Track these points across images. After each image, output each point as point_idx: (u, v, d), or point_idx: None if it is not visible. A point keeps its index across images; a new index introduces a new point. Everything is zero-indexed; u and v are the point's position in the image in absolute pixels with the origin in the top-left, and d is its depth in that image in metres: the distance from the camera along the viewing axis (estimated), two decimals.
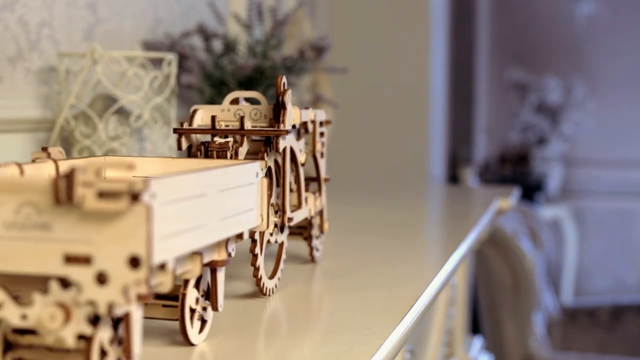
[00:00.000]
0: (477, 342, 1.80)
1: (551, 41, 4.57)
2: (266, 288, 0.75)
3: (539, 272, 2.50)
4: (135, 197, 0.44)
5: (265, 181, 0.66)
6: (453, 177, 3.80)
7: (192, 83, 1.35)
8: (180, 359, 0.57)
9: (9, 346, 0.49)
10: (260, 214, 0.65)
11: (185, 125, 0.76)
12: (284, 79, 0.78)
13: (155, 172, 0.66)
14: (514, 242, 2.42)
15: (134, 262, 0.44)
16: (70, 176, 0.44)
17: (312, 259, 0.91)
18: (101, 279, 0.45)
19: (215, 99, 1.41)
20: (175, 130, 0.75)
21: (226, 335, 0.63)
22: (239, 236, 0.62)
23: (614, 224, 4.51)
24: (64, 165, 0.58)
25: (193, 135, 0.76)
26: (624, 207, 4.50)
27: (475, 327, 2.64)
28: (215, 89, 1.41)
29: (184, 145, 0.76)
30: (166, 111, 1.22)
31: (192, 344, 0.60)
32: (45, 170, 0.57)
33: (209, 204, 0.54)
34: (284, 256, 0.80)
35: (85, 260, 0.45)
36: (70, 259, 0.45)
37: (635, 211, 4.48)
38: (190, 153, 0.76)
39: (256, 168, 0.64)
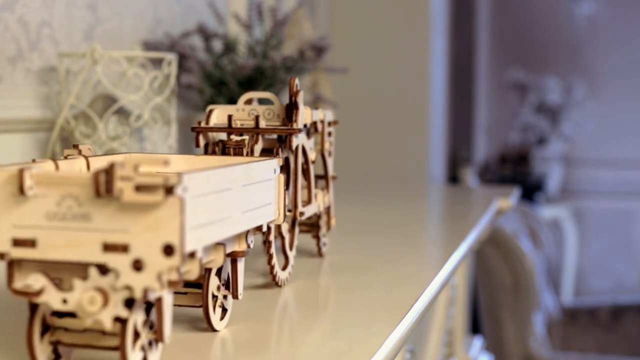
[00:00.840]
0: (477, 342, 1.80)
1: (551, 41, 4.57)
2: (279, 279, 0.79)
3: (539, 272, 2.50)
4: (169, 190, 0.47)
5: (283, 177, 0.69)
6: (453, 177, 3.80)
7: (192, 83, 1.35)
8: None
9: (46, 328, 0.52)
10: (277, 208, 0.68)
11: (203, 124, 0.80)
12: (297, 81, 0.81)
13: (179, 168, 0.69)
14: (514, 242, 2.42)
15: (168, 250, 0.48)
16: (110, 171, 0.47)
17: (320, 254, 0.94)
18: (137, 265, 0.48)
19: (215, 99, 1.41)
20: (193, 129, 0.79)
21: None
22: (258, 228, 0.65)
23: (614, 224, 4.51)
24: (94, 162, 0.61)
25: (210, 134, 0.80)
26: (624, 207, 4.50)
27: (475, 327, 2.64)
28: (215, 89, 1.41)
29: (202, 142, 0.79)
30: (166, 111, 1.22)
31: (214, 330, 0.63)
32: (77, 166, 0.60)
33: (233, 198, 0.57)
34: (295, 249, 0.83)
35: (122, 248, 0.48)
36: (109, 247, 0.48)
37: (635, 211, 4.49)
38: (207, 150, 0.80)
39: (274, 165, 0.67)
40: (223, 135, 0.82)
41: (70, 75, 1.17)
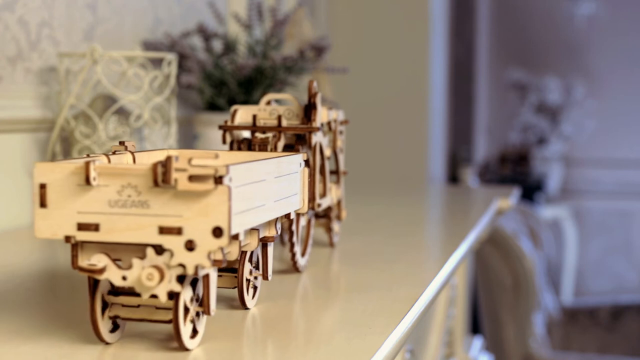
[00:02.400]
0: (477, 342, 1.80)
1: (551, 41, 4.57)
2: (299, 265, 0.86)
3: (539, 272, 2.50)
4: (218, 180, 0.54)
5: (307, 170, 0.75)
6: (453, 177, 3.80)
7: (192, 83, 1.35)
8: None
9: (105, 305, 0.59)
10: (302, 198, 0.75)
11: (228, 123, 0.87)
12: (315, 83, 0.87)
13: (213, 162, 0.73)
14: (514, 242, 2.42)
15: (217, 232, 0.54)
16: (167, 163, 0.54)
17: (331, 244, 1.01)
18: (190, 246, 0.55)
19: (215, 99, 1.41)
20: (221, 127, 0.86)
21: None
22: (286, 216, 0.72)
23: (614, 224, 4.50)
24: (139, 156, 0.67)
25: (235, 131, 0.87)
26: (624, 207, 4.50)
27: (475, 327, 2.64)
28: (215, 89, 1.41)
29: (228, 140, 0.86)
30: (166, 111, 1.22)
31: (247, 308, 0.70)
32: (124, 160, 0.66)
33: (267, 188, 0.64)
34: (311, 238, 0.90)
35: (177, 231, 0.55)
36: (164, 230, 0.55)
37: (635, 211, 4.48)
38: (231, 147, 0.87)
39: (300, 159, 0.74)
40: (246, 133, 0.89)
41: (70, 75, 1.17)
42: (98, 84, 1.19)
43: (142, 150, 0.70)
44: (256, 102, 1.41)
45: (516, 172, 4.37)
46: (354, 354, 0.58)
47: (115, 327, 0.60)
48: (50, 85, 1.22)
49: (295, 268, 0.85)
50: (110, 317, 0.59)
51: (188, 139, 1.51)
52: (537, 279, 2.45)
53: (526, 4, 4.61)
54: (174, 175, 0.54)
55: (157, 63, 1.25)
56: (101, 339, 0.59)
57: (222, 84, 1.41)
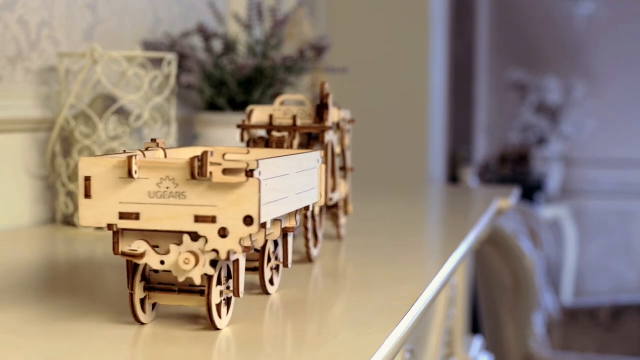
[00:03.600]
0: (477, 342, 1.80)
1: (551, 41, 4.57)
2: (313, 255, 0.91)
3: (539, 272, 2.50)
4: (249, 173, 0.59)
5: (324, 166, 0.81)
6: (453, 177, 3.80)
7: (192, 83, 1.35)
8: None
9: (142, 289, 0.64)
10: (320, 192, 0.79)
11: (246, 123, 0.92)
12: (327, 85, 0.92)
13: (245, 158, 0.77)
14: (514, 242, 2.42)
15: (248, 221, 0.59)
16: (203, 158, 0.59)
17: (339, 237, 1.05)
18: (223, 233, 0.60)
19: (215, 99, 1.41)
20: (239, 126, 0.91)
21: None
22: (306, 208, 0.77)
23: (614, 224, 4.50)
24: (170, 152, 0.72)
25: (252, 130, 0.93)
26: (624, 207, 4.50)
27: (475, 327, 2.64)
28: (215, 89, 1.41)
29: (246, 138, 0.91)
30: (166, 111, 1.22)
31: (268, 294, 0.75)
32: (157, 156, 0.70)
33: (290, 182, 0.69)
34: (323, 229, 0.95)
35: (211, 219, 0.60)
36: (199, 219, 0.60)
37: (635, 211, 4.48)
38: (248, 145, 0.91)
39: (318, 156, 0.79)
40: (261, 132, 0.95)
41: (70, 75, 1.17)
42: (98, 84, 1.19)
43: (172, 148, 0.75)
44: (256, 102, 1.41)
45: (516, 172, 4.37)
46: (354, 354, 0.58)
47: (150, 309, 0.65)
48: (50, 85, 1.22)
49: (308, 258, 0.90)
50: (149, 303, 0.64)
51: (188, 139, 1.51)
52: (537, 279, 2.45)
53: (526, 4, 4.61)
54: (210, 168, 0.59)
55: (157, 63, 1.25)
56: (137, 320, 0.64)
57: (222, 84, 1.41)
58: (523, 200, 3.49)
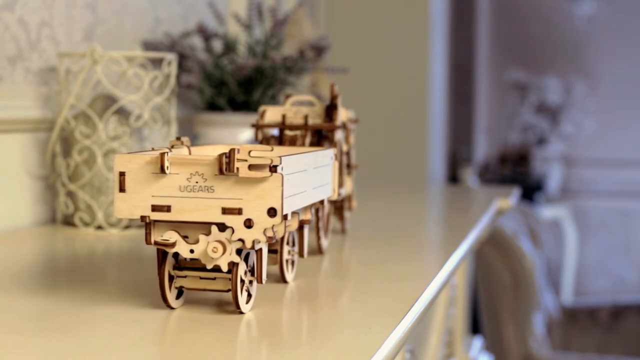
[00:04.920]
0: (477, 342, 1.80)
1: (551, 41, 4.57)
2: (322, 247, 0.96)
3: (539, 272, 2.50)
4: (273, 168, 0.64)
5: (337, 163, 0.86)
6: (453, 177, 3.80)
7: (192, 83, 1.35)
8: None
9: (170, 277, 0.69)
10: (333, 187, 0.84)
11: (259, 123, 0.98)
12: (336, 87, 0.98)
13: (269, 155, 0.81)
14: (514, 242, 2.42)
15: (272, 212, 0.64)
16: (230, 155, 0.63)
17: (343, 230, 1.10)
18: (248, 224, 0.65)
19: (215, 99, 1.41)
20: (253, 126, 0.97)
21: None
22: (320, 202, 0.82)
23: (614, 224, 4.50)
24: (194, 150, 0.77)
25: (265, 129, 0.98)
26: (624, 207, 4.50)
27: (475, 327, 2.64)
28: (215, 89, 1.41)
29: (260, 137, 0.97)
30: (166, 111, 1.22)
31: (286, 282, 0.80)
32: (183, 153, 0.74)
33: (307, 177, 0.74)
34: (331, 222, 1.00)
35: (237, 211, 0.64)
36: (226, 211, 0.65)
37: (635, 211, 4.48)
38: (261, 143, 0.96)
39: (332, 153, 0.83)
40: (274, 131, 1.00)
41: (70, 75, 1.17)
42: (98, 84, 1.19)
43: (195, 145, 0.79)
44: (256, 102, 1.41)
45: (516, 172, 4.37)
46: (354, 354, 0.58)
47: (178, 295, 0.70)
48: (50, 85, 1.22)
49: (319, 249, 0.95)
50: (175, 287, 0.69)
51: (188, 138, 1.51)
52: (537, 279, 2.45)
53: (526, 4, 4.60)
54: (237, 164, 0.63)
55: (157, 63, 1.25)
56: (167, 304, 0.68)
57: (222, 84, 1.41)
58: (523, 200, 3.48)
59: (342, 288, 0.82)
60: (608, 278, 4.48)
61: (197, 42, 1.50)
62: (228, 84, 1.40)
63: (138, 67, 1.20)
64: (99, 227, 1.14)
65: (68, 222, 1.17)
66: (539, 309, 2.53)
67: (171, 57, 1.19)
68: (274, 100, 1.44)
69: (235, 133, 1.37)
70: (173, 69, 1.19)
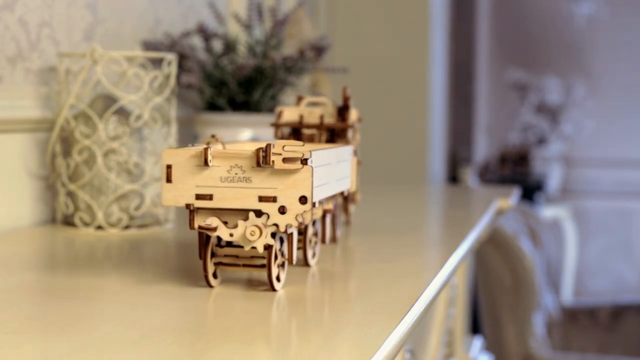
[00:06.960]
0: (477, 342, 1.80)
1: (551, 41, 4.57)
2: (337, 236, 1.02)
3: (539, 272, 2.49)
4: (304, 161, 0.72)
5: (355, 158, 0.95)
6: (453, 177, 3.80)
7: (192, 83, 1.35)
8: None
9: (212, 255, 0.77)
10: (351, 180, 0.93)
11: (277, 122, 1.05)
12: (348, 89, 1.07)
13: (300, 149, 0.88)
14: (514, 242, 2.42)
15: (303, 200, 0.72)
16: (267, 149, 0.72)
17: (348, 222, 1.18)
18: (282, 210, 0.73)
19: (215, 99, 1.41)
20: (273, 125, 1.05)
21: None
22: (341, 193, 0.89)
23: (614, 224, 4.50)
24: (228, 146, 0.85)
25: (283, 128, 1.06)
26: (624, 207, 4.50)
27: (475, 327, 2.64)
28: (215, 89, 1.41)
29: (279, 135, 1.05)
30: (166, 111, 1.22)
31: (309, 265, 0.88)
32: (218, 148, 0.80)
33: (331, 170, 0.82)
34: (340, 216, 1.07)
35: (272, 199, 0.73)
36: (263, 199, 0.73)
37: (635, 211, 4.48)
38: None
39: (351, 150, 0.92)
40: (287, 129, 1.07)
41: (70, 75, 1.17)
42: (98, 84, 1.19)
43: (229, 142, 0.89)
44: (256, 102, 1.41)
45: (516, 172, 4.37)
46: (354, 354, 0.58)
47: (216, 275, 0.78)
48: (50, 85, 1.22)
49: (333, 238, 1.01)
50: (215, 264, 0.77)
51: (188, 139, 1.51)
52: (537, 279, 2.45)
53: (526, 4, 4.60)
54: (272, 157, 0.71)
55: (157, 63, 1.25)
56: (208, 283, 0.77)
57: (222, 84, 1.41)
58: (523, 200, 3.48)
59: (342, 288, 0.82)
60: (608, 278, 4.48)
61: (197, 42, 1.50)
62: (228, 84, 1.40)
63: (138, 67, 1.20)
64: (99, 227, 1.14)
65: (68, 222, 1.17)
66: (539, 309, 2.53)
67: (171, 57, 1.19)
68: (274, 100, 1.44)
69: (235, 133, 1.37)
70: (173, 69, 1.19)
